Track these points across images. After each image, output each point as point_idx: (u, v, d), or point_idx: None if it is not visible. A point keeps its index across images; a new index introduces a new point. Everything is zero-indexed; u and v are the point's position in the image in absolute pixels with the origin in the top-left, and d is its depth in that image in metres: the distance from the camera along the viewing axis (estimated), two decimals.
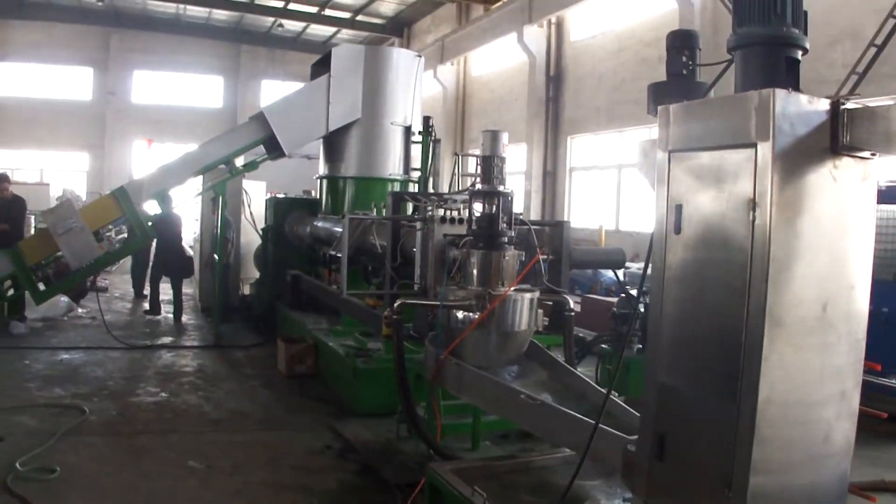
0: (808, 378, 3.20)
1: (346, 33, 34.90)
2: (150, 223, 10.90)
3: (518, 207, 8.91)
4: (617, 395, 5.39)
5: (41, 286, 10.21)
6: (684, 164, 3.44)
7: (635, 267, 12.04)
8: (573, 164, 22.74)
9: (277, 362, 9.65)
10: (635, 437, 3.80)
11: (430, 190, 11.57)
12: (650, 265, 3.63)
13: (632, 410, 4.43)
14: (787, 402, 3.14)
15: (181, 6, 32.87)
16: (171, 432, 7.20)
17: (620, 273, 8.97)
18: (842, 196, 3.21)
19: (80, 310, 13.37)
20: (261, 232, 13.35)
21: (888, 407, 6.00)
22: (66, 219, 9.75)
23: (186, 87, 37.19)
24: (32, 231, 16.11)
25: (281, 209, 12.96)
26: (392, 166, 11.41)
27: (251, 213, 13.81)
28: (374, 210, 9.59)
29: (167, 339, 11.65)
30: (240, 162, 11.76)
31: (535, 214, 22.06)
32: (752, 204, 3.07)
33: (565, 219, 20.31)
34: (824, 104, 3.14)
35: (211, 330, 12.15)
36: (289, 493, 5.85)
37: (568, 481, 4.19)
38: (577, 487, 4.43)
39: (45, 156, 34.72)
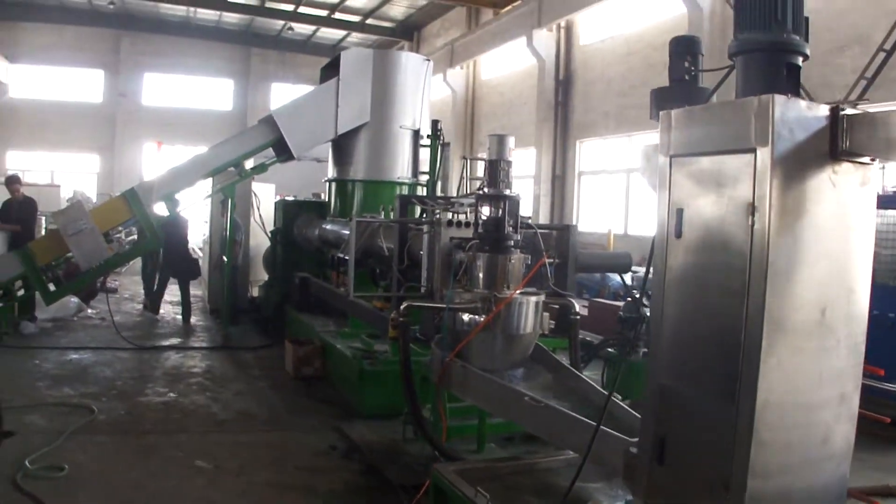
0: (807, 381, 3.22)
1: (356, 37, 34.95)
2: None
3: (527, 211, 8.95)
4: (622, 398, 5.42)
5: (51, 287, 10.28)
6: (685, 168, 3.47)
7: (642, 271, 12.04)
8: (582, 168, 22.72)
9: (285, 364, 9.70)
10: (637, 439, 3.83)
11: (439, 193, 11.61)
12: (652, 268, 3.67)
13: (635, 413, 4.46)
14: (785, 404, 3.16)
15: (191, 9, 32.96)
16: (179, 432, 7.26)
17: (627, 277, 8.98)
18: (841, 201, 3.23)
19: (89, 310, 13.46)
20: (270, 234, 13.42)
21: (892, 412, 6.01)
22: (76, 220, 9.80)
23: (196, 89, 37.26)
24: (43, 232, 16.21)
25: (290, 212, 13.03)
26: (400, 170, 11.44)
27: (260, 215, 13.88)
28: (382, 213, 9.63)
29: (176, 340, 11.72)
30: (249, 164, 11.82)
31: (543, 218, 22.05)
32: (752, 208, 3.10)
33: (574, 223, 20.30)
34: (824, 110, 3.17)
35: (219, 331, 12.24)
36: (294, 493, 5.90)
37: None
38: (580, 489, 4.47)
39: (56, 157, 34.86)
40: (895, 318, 7.81)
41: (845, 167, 3.22)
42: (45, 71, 34.69)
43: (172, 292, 13.94)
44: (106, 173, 35.18)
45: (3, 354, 9.94)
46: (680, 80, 4.05)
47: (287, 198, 15.14)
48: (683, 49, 4.11)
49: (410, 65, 11.66)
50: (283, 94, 34.99)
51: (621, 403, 4.81)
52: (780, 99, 3.06)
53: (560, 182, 23.17)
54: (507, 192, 5.97)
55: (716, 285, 3.31)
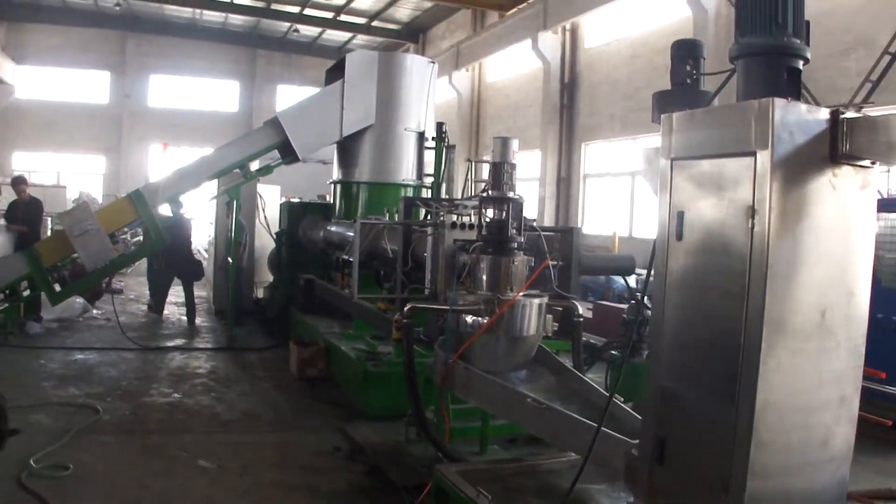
0: (807, 383, 3.23)
1: (361, 39, 34.98)
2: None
3: (532, 213, 8.96)
4: (626, 400, 5.43)
5: (57, 287, 10.31)
6: (686, 171, 3.49)
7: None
8: (587, 170, 22.71)
9: (290, 365, 9.73)
10: (638, 441, 3.85)
11: (444, 196, 11.63)
12: (653, 271, 3.69)
13: (636, 415, 4.48)
14: (785, 406, 3.17)
15: (197, 11, 33.01)
16: (183, 432, 7.28)
17: (632, 279, 8.98)
18: (841, 204, 3.25)
19: (95, 311, 13.50)
20: (275, 236, 13.44)
21: (894, 415, 6.02)
22: (82, 221, 9.84)
23: (202, 91, 37.32)
24: (49, 233, 16.27)
25: (295, 213, 13.04)
26: (405, 172, 11.46)
27: (265, 217, 13.90)
28: (387, 215, 9.65)
29: (181, 341, 11.74)
30: (254, 166, 11.86)
31: (548, 220, 22.04)
32: (752, 211, 3.12)
33: (579, 225, 20.32)
34: (824, 113, 3.19)
35: (224, 332, 12.27)
36: (298, 493, 5.92)
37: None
38: (582, 491, 4.49)
39: (62, 158, 34.99)
40: None
41: (845, 170, 3.24)
42: (51, 72, 34.79)
43: (177, 293, 13.96)
44: (112, 174, 35.27)
45: (9, 354, 9.98)
46: (681, 84, 4.07)
47: (292, 199, 15.17)
48: (685, 53, 4.14)
49: (416, 67, 11.68)
50: (289, 95, 35.09)
51: (624, 405, 4.83)
52: (780, 102, 3.08)
53: (565, 184, 23.17)
54: (511, 194, 5.99)
55: (716, 287, 3.33)
